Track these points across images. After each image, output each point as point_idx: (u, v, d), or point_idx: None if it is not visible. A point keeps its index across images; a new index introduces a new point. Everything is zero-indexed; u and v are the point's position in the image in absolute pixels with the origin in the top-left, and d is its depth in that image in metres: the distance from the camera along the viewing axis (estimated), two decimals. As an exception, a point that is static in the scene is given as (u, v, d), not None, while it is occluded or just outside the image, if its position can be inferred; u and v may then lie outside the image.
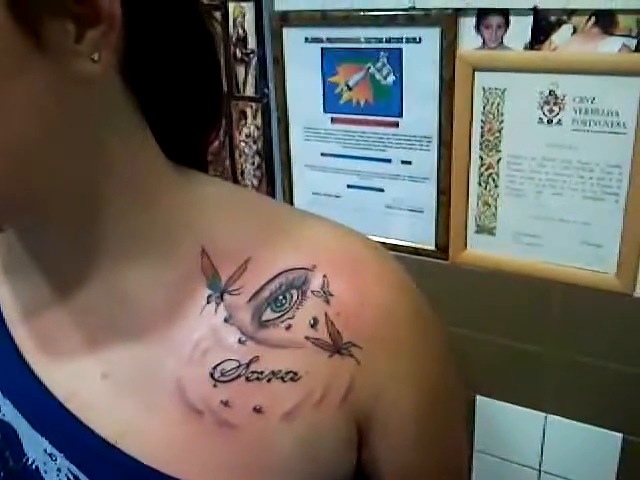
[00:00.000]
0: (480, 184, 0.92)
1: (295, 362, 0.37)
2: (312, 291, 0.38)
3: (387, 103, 0.95)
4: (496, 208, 0.92)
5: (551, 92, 0.82)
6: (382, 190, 1.01)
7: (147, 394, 0.36)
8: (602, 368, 0.91)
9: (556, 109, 0.82)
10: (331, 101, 1.01)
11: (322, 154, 1.05)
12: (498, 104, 0.86)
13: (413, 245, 1.00)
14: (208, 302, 0.37)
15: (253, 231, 0.39)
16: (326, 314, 0.37)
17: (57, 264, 0.38)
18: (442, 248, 0.98)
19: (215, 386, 0.36)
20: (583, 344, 0.91)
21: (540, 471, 1.04)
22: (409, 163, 0.97)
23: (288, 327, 0.37)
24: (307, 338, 0.37)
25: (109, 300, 0.38)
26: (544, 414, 0.99)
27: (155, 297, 0.37)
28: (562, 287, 0.90)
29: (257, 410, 0.36)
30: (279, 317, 0.37)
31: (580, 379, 0.94)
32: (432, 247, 0.99)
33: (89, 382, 0.37)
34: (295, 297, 0.38)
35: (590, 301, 0.88)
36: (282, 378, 0.36)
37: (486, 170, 0.91)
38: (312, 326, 0.37)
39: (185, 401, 0.36)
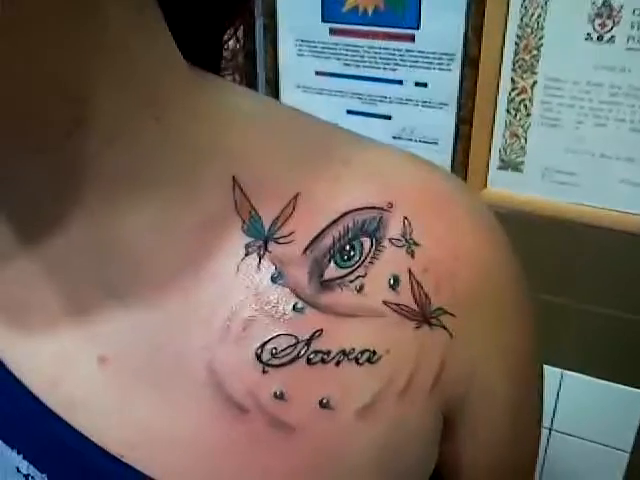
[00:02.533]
0: (509, 112, 0.83)
1: (372, 337, 0.28)
2: (390, 239, 0.29)
3: (401, 11, 0.85)
4: (525, 140, 0.84)
5: (605, 2, 0.73)
6: (389, 117, 0.92)
7: (165, 385, 0.27)
8: (632, 322, 0.87)
9: (609, 23, 0.73)
10: (331, 7, 0.89)
11: (317, 73, 0.94)
12: (539, 16, 0.77)
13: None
14: (247, 253, 0.28)
15: (302, 157, 0.30)
16: (410, 271, 0.29)
17: (27, 202, 0.28)
18: (458, 186, 0.90)
19: (265, 372, 0.27)
20: (617, 297, 0.86)
21: (550, 430, 1.01)
22: (424, 85, 0.88)
23: (360, 288, 0.28)
24: (386, 303, 0.28)
25: (103, 254, 0.28)
26: (560, 370, 0.96)
27: (170, 249, 0.28)
28: (597, 232, 0.84)
29: (324, 405, 0.27)
30: (347, 275, 0.28)
31: (605, 334, 0.89)
32: (446, 185, 0.91)
33: (79, 368, 0.27)
34: (368, 247, 0.29)
35: (629, 249, 0.83)
36: (356, 360, 0.28)
37: (518, 95, 0.82)
38: (392, 287, 0.28)
39: (222, 394, 0.27)
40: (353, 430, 0.27)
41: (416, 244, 0.29)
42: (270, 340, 0.27)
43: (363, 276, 0.28)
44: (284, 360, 0.27)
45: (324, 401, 0.27)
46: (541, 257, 0.88)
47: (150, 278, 0.28)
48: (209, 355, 0.27)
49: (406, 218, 0.29)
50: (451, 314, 0.29)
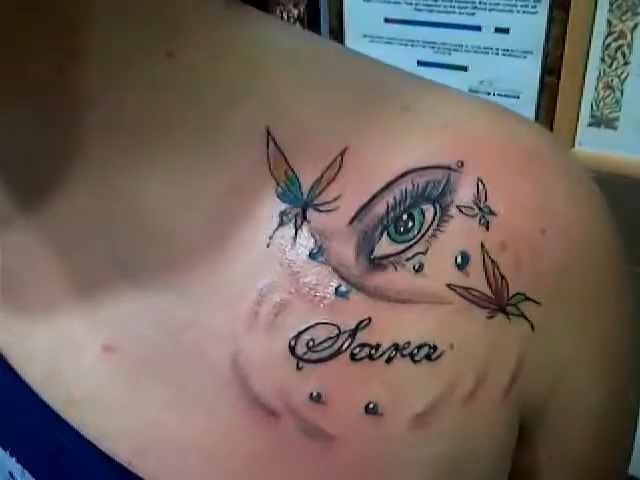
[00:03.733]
0: (603, 60, 0.75)
1: (432, 328, 0.23)
2: (459, 206, 0.24)
3: (481, -54, 0.77)
4: (622, 93, 0.75)
5: None
6: (465, 69, 0.85)
7: (181, 381, 0.23)
8: None
9: None
10: (402, -54, 0.82)
11: (386, 20, 0.88)
12: (644, -56, 0.67)
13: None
14: (281, 223, 0.23)
15: (351, 104, 0.25)
16: (483, 246, 0.24)
17: (20, 158, 0.24)
18: (541, 145, 0.82)
19: (299, 368, 0.23)
20: None
21: None
22: (506, 31, 0.81)
23: (419, 268, 0.23)
24: (451, 287, 0.23)
25: (112, 222, 0.24)
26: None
27: (190, 218, 0.24)
28: None
29: (370, 410, 0.23)
30: (404, 251, 0.23)
31: None
32: (528, 144, 0.83)
33: (82, 357, 0.24)
34: (430, 217, 0.24)
35: None
36: (412, 356, 0.23)
37: (615, 41, 0.74)
38: (460, 267, 0.23)
39: (248, 394, 0.23)
40: (406, 441, 0.23)
41: (492, 213, 0.24)
42: (307, 330, 0.23)
43: (423, 253, 0.23)
44: (323, 355, 0.23)
45: (371, 406, 0.23)
46: (637, 226, 0.79)
47: (167, 252, 0.24)
48: (234, 346, 0.23)
49: (480, 180, 0.24)
50: (534, 301, 0.24)
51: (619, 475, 0.33)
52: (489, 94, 0.84)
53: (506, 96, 0.83)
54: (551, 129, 0.81)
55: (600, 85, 0.76)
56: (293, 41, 0.27)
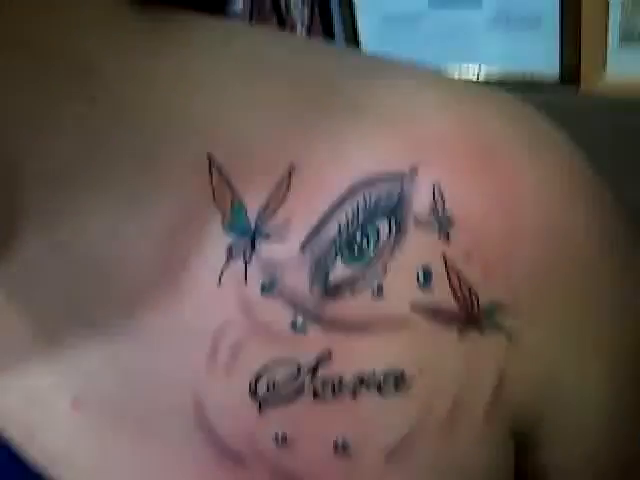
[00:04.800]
0: (629, -30, 0.68)
1: (398, 355, 0.22)
2: (415, 218, 0.22)
3: None
4: (654, 4, 0.69)
5: None
6: (479, 4, 0.79)
7: (149, 430, 0.23)
8: None
9: None
10: None
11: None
12: None
13: (526, 76, 0.79)
14: (230, 257, 0.22)
15: (297, 110, 0.23)
16: (446, 259, 0.22)
17: None
18: (569, 74, 0.76)
19: (262, 411, 0.22)
20: None
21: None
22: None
23: (378, 291, 0.22)
24: (415, 308, 0.22)
25: (67, 270, 0.23)
26: None
27: (139, 258, 0.23)
28: None
29: (340, 449, 0.22)
30: (360, 275, 0.22)
31: None
32: (555, 74, 0.78)
33: (53, 414, 0.24)
34: (386, 233, 0.22)
35: None
36: (378, 388, 0.22)
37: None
38: (422, 284, 0.22)
39: (213, 439, 0.22)
40: (381, 478, 0.22)
41: (451, 222, 0.22)
42: (266, 370, 0.22)
43: (381, 274, 0.22)
44: (285, 395, 0.22)
45: (340, 443, 0.22)
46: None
47: (121, 297, 0.23)
48: (196, 391, 0.22)
49: (436, 185, 0.22)
50: (509, 310, 0.22)
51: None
52: (508, 24, 0.78)
53: (526, 25, 0.77)
54: (579, 53, 0.75)
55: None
56: (230, 46, 0.24)
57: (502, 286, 0.22)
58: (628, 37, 0.72)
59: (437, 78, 0.25)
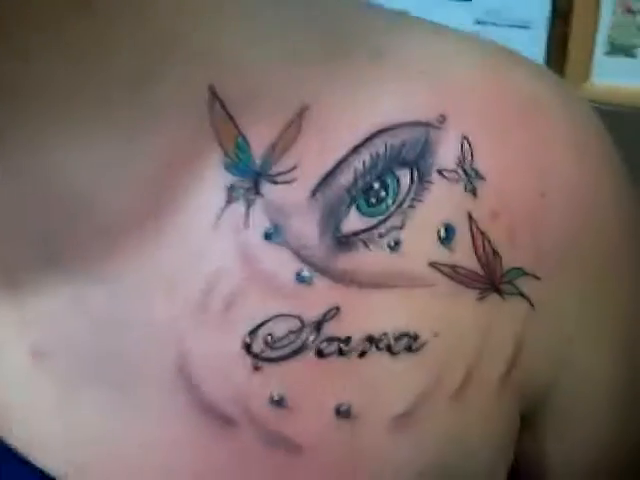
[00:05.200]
0: (621, -20, 0.69)
1: (413, 315, 0.20)
2: (440, 170, 0.21)
3: None
4: (642, 16, 0.70)
5: None
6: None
7: (122, 385, 0.20)
8: None
9: None
10: None
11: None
12: None
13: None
14: (230, 200, 0.20)
15: (313, 53, 0.21)
16: (471, 217, 0.20)
17: None
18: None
19: (257, 369, 0.20)
20: None
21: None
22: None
23: (395, 245, 0.20)
24: (434, 266, 0.20)
25: (35, 202, 0.20)
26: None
27: (123, 196, 0.20)
28: None
29: (342, 413, 0.20)
30: (376, 226, 0.20)
31: None
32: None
33: (9, 364, 0.21)
34: (407, 184, 0.20)
35: None
36: (389, 348, 0.20)
37: (633, -43, 0.67)
38: (444, 242, 0.20)
39: (198, 400, 0.20)
40: (384, 448, 0.20)
41: (480, 176, 0.21)
42: (264, 324, 0.20)
43: (400, 227, 0.20)
44: (284, 352, 0.20)
45: (343, 408, 0.20)
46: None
47: (95, 236, 0.20)
48: (179, 347, 0.20)
49: (465, 138, 0.21)
50: (534, 276, 0.21)
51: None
52: (496, 25, 0.78)
53: (515, 27, 0.77)
54: (565, 59, 0.76)
55: (619, 10, 0.71)
56: None
57: (527, 251, 0.21)
58: (615, 46, 0.73)
59: (466, 34, 0.24)
